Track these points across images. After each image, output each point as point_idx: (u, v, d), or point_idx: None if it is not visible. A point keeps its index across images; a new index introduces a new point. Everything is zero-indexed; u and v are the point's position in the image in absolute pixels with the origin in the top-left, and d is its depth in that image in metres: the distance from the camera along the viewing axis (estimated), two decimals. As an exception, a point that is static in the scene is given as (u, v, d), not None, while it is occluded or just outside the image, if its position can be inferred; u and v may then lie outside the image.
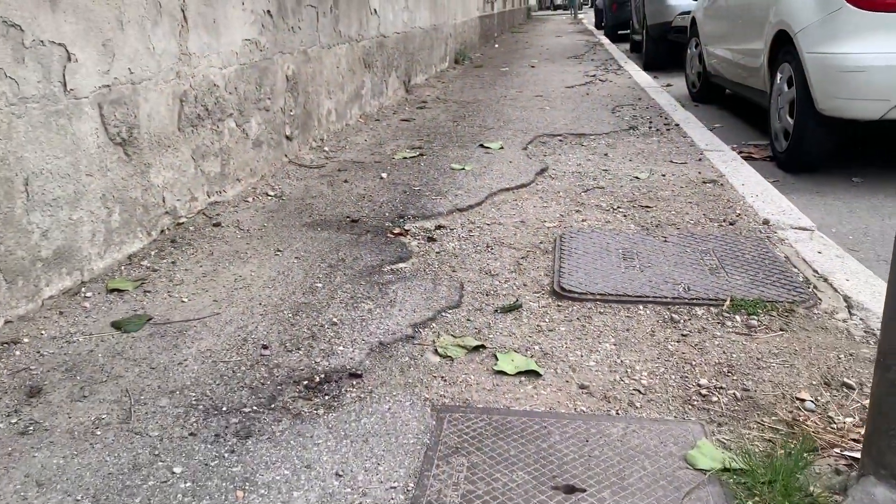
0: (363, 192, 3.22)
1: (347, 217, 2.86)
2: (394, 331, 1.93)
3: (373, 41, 5.20)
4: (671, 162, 3.81)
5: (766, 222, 2.77)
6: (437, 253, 2.50)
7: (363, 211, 2.95)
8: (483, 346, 1.84)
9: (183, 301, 2.12)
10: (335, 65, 4.35)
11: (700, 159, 3.84)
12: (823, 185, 3.71)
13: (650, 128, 4.74)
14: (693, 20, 6.71)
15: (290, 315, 2.02)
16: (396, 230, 2.69)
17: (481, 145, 4.18)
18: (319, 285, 2.23)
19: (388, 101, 5.71)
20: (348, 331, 1.93)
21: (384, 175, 3.50)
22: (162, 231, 2.59)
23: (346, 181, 3.40)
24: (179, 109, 2.63)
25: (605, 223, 2.80)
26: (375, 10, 5.27)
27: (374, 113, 5.30)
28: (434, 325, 1.96)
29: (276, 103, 3.44)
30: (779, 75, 4.06)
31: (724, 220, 2.80)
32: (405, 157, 3.88)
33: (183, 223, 2.70)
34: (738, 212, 2.91)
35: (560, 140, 4.40)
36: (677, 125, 4.80)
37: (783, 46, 4.00)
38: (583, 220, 2.84)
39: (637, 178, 3.50)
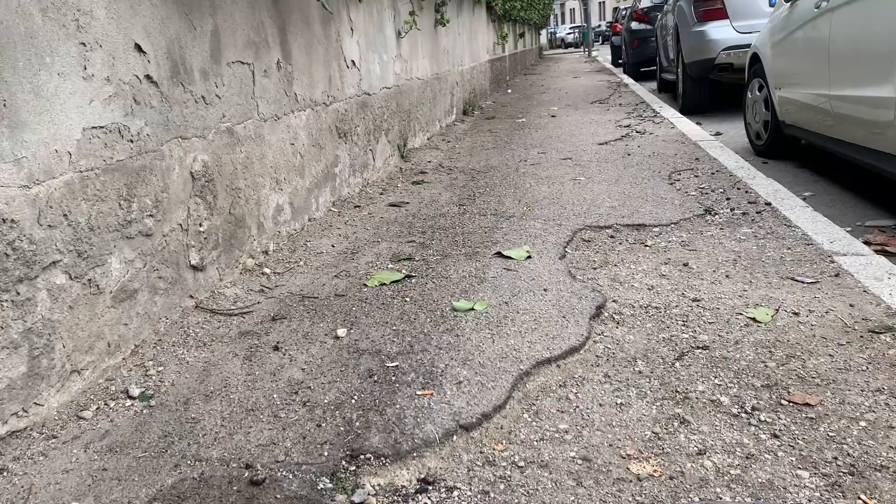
0: (298, 380, 1.87)
1: (245, 468, 1.50)
2: None
3: (350, 102, 3.92)
4: (793, 280, 2.44)
5: None
6: None
7: (282, 443, 1.59)
8: None
9: None
10: (288, 141, 3.06)
11: (837, 273, 2.48)
12: None
13: (733, 210, 3.38)
14: (755, 57, 5.40)
15: None
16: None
17: (499, 254, 2.84)
18: None
19: (377, 174, 4.41)
20: None
21: (342, 332, 2.15)
22: None
23: (277, 347, 2.06)
24: None
25: (746, 461, 1.43)
26: (354, 62, 4.00)
27: (354, 195, 3.99)
28: None
29: (169, 220, 2.13)
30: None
31: None
32: (383, 284, 2.54)
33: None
34: None
35: (611, 237, 3.05)
36: (768, 204, 3.44)
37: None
38: (698, 453, 1.48)
39: (754, 321, 2.14)
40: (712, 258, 2.73)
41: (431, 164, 5.05)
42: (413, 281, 2.57)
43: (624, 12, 18.40)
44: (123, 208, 1.94)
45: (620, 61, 16.08)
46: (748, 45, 6.74)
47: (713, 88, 7.72)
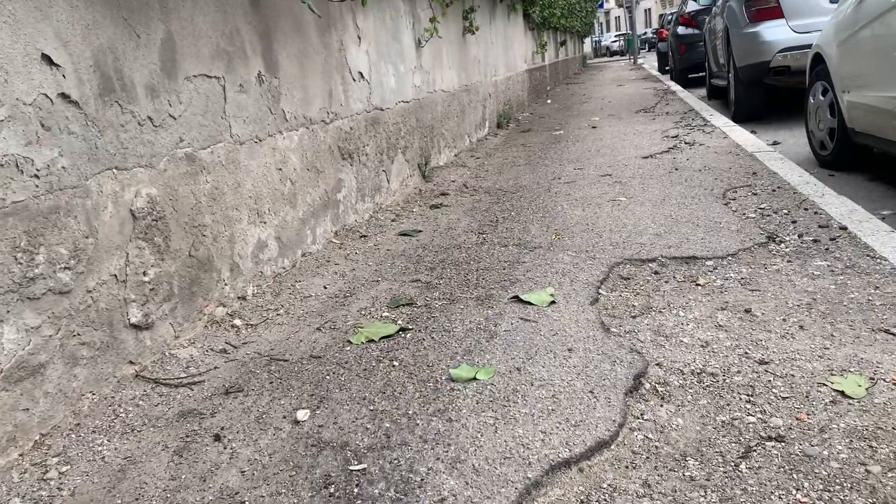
0: (233, 490, 1.41)
1: None
2: None
3: (357, 119, 3.49)
4: (888, 333, 1.90)
5: None
6: None
7: None
8: None
9: None
10: (275, 166, 2.63)
11: (947, 324, 1.92)
12: None
13: (802, 236, 2.83)
14: (817, 58, 4.80)
15: None
16: None
17: (517, 298, 2.35)
18: None
19: (391, 197, 3.97)
20: None
21: (305, 414, 1.69)
22: None
23: (219, 436, 1.61)
24: None
25: None
26: (361, 73, 3.57)
27: (361, 223, 3.55)
28: None
29: (97, 271, 1.71)
30: None
31: None
32: (371, 340, 2.07)
33: None
34: None
35: (655, 273, 2.54)
36: (844, 228, 2.88)
37: None
38: None
39: (843, 395, 1.62)
40: (780, 301, 2.19)
41: (455, 185, 4.59)
42: (408, 336, 2.10)
43: (669, 17, 17.72)
44: (22, 262, 1.52)
45: (667, 68, 15.43)
46: (807, 46, 6.13)
47: (768, 94, 7.10)
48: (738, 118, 7.24)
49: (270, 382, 1.85)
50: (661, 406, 1.63)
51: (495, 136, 7.18)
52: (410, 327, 2.15)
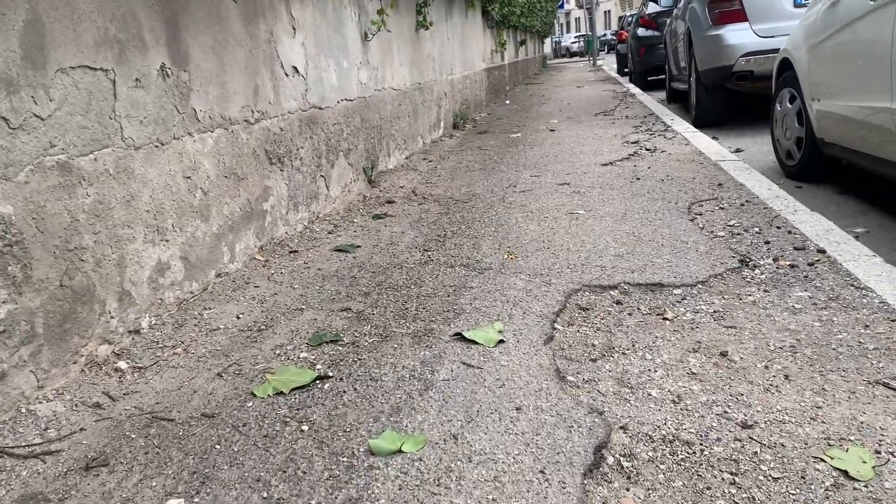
0: None
1: None
2: None
3: (290, 118, 3.11)
4: (885, 385, 1.62)
5: None
6: None
7: None
8: None
9: None
10: (181, 173, 2.25)
11: (956, 377, 1.65)
12: None
13: (777, 260, 2.56)
14: (785, 63, 4.58)
15: None
16: None
17: (460, 335, 2.02)
18: None
19: (331, 205, 3.60)
20: None
21: None
22: None
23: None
24: None
25: None
26: (296, 68, 3.19)
27: (294, 235, 3.17)
28: None
29: None
30: None
31: None
32: (280, 392, 1.71)
33: None
34: None
35: (617, 303, 2.23)
36: (822, 251, 2.62)
37: None
38: None
39: (845, 475, 1.33)
40: (760, 342, 1.90)
41: (404, 191, 4.24)
42: (326, 387, 1.74)
43: (630, 19, 17.63)
44: None
45: (626, 70, 15.30)
46: (771, 51, 5.94)
47: (730, 99, 6.91)
48: (700, 123, 7.04)
49: (146, 453, 1.48)
50: (628, 490, 1.31)
51: (451, 137, 6.85)
52: (331, 374, 1.80)
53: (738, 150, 5.60)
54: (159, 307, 2.18)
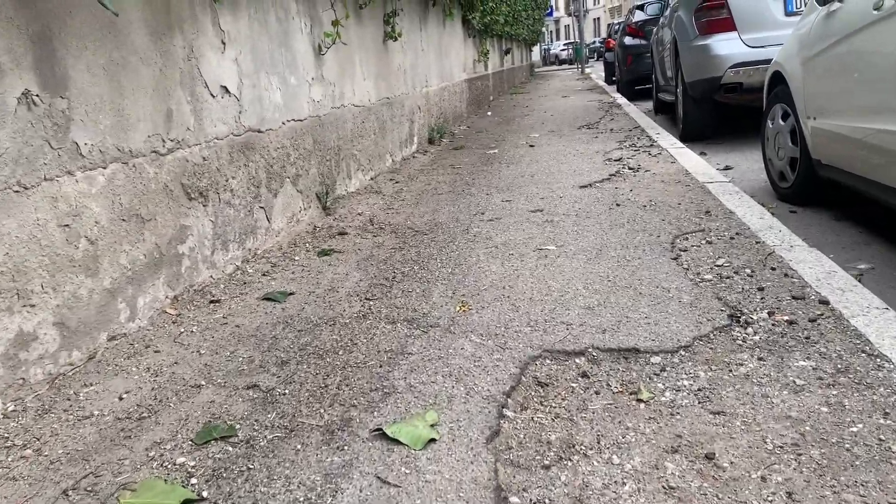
0: None
1: None
2: None
3: (218, 146, 2.72)
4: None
5: None
6: None
7: None
8: None
9: None
10: (59, 221, 1.85)
11: None
12: None
13: (773, 314, 2.18)
14: (777, 76, 4.23)
15: None
16: None
17: (380, 432, 1.61)
18: None
19: (274, 239, 3.20)
20: None
21: None
22: None
23: None
24: None
25: None
26: (226, 88, 2.80)
27: (220, 280, 2.77)
28: None
29: None
30: None
31: None
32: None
33: None
34: None
35: (583, 376, 1.85)
36: (825, 302, 2.24)
37: None
38: None
39: None
40: (756, 438, 1.51)
41: (361, 219, 3.84)
42: (195, 516, 1.34)
43: (617, 27, 17.32)
44: None
45: (614, 79, 14.98)
46: (761, 62, 5.60)
47: (718, 111, 6.56)
48: (687, 137, 6.69)
49: None
50: None
51: (424, 153, 6.46)
52: (205, 496, 1.39)
53: (727, 168, 5.25)
54: (21, 388, 1.77)
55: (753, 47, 5.76)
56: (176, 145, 2.48)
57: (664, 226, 3.29)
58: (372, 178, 4.97)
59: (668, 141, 6.11)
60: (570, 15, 41.68)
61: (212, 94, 2.74)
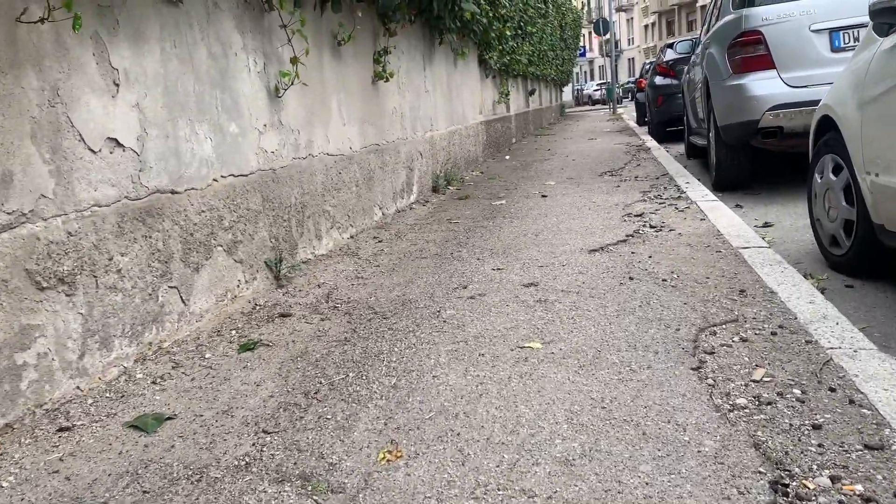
0: None
1: None
2: None
3: (96, 215, 2.10)
4: None
5: None
6: None
7: None
8: None
9: None
10: None
11: None
12: None
13: (836, 482, 1.42)
14: (826, 122, 3.50)
15: None
16: None
17: None
18: None
19: (194, 325, 2.57)
20: None
21: None
22: None
23: None
24: None
25: None
26: (118, 140, 2.19)
27: (92, 390, 2.11)
28: None
29: None
30: None
31: None
32: None
33: None
34: None
35: None
36: (919, 461, 1.46)
37: None
38: None
39: None
40: None
41: (317, 294, 3.18)
42: None
43: (648, 67, 16.66)
44: None
45: (646, 120, 14.28)
46: (805, 104, 4.86)
47: (756, 157, 5.81)
48: (720, 186, 5.95)
49: None
50: None
51: (424, 203, 5.82)
52: None
53: (766, 225, 4.49)
54: None
55: (795, 87, 5.03)
56: (17, 220, 1.84)
57: (686, 312, 2.56)
58: (352, 237, 4.33)
59: (698, 192, 5.37)
60: (604, 56, 41.23)
61: (90, 150, 2.12)
